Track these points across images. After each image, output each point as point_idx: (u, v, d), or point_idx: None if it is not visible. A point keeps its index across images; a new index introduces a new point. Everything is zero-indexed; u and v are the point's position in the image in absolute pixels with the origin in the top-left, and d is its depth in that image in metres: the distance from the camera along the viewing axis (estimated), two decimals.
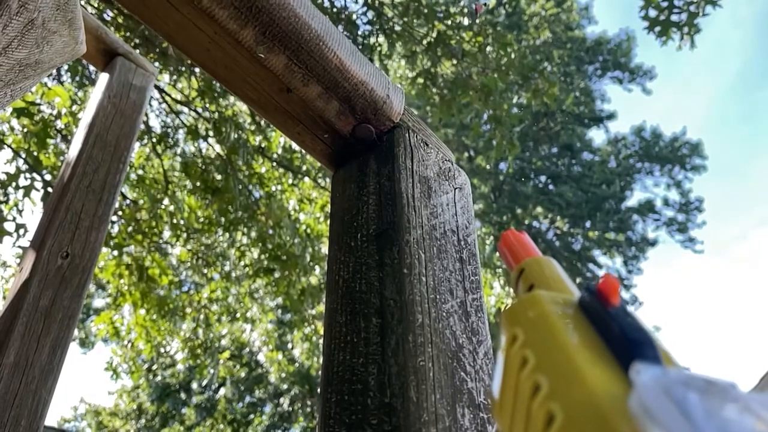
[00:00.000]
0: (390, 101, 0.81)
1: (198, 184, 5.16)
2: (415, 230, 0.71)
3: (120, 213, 5.20)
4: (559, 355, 0.26)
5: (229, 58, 0.73)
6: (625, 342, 0.25)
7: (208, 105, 5.09)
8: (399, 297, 0.65)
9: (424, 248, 0.70)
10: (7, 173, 4.06)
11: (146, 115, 5.26)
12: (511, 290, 0.44)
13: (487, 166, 18.76)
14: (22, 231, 3.86)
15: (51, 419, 20.04)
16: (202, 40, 0.71)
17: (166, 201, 5.46)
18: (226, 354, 14.12)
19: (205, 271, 6.69)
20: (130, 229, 5.26)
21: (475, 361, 0.67)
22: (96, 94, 1.87)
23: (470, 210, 0.83)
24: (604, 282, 0.29)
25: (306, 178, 6.04)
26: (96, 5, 4.33)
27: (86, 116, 1.82)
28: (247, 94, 0.79)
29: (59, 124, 4.52)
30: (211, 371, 15.36)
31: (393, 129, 0.82)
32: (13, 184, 4.06)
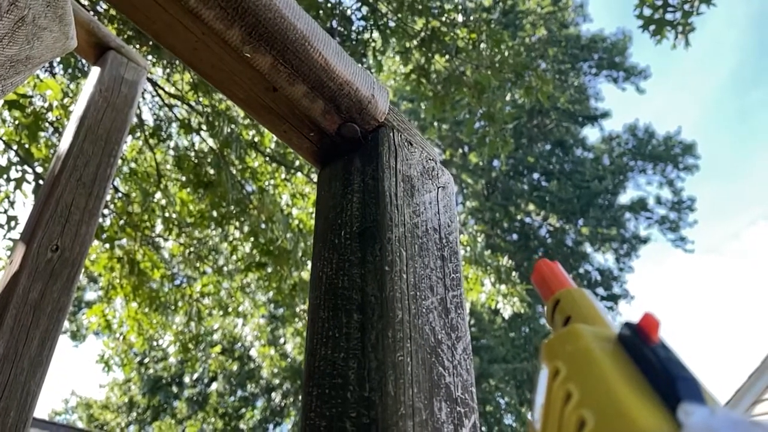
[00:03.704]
0: (375, 101, 0.82)
1: (191, 177, 5.16)
2: (397, 228, 0.72)
3: (112, 206, 5.19)
4: (605, 391, 0.26)
5: (216, 58, 0.75)
6: (671, 380, 0.26)
7: (201, 99, 5.09)
8: (380, 293, 0.67)
9: (406, 246, 0.72)
10: None
11: (139, 108, 5.25)
12: (547, 321, 0.45)
13: (481, 163, 18.79)
14: (13, 223, 3.85)
15: (42, 412, 20.01)
16: (190, 39, 0.72)
17: (158, 195, 5.45)
18: (218, 348, 14.11)
19: (198, 264, 6.69)
20: (121, 222, 5.25)
21: (453, 356, 0.68)
22: (87, 87, 1.87)
23: (453, 209, 0.85)
24: (645, 319, 0.29)
25: (299, 173, 6.04)
26: None
27: (77, 110, 1.83)
28: (234, 93, 0.80)
29: (51, 116, 4.51)
30: (203, 365, 15.36)
31: (378, 128, 0.84)
32: (4, 176, 4.05)
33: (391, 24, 5.42)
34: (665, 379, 0.26)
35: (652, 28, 4.13)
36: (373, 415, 0.58)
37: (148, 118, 5.80)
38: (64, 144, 1.73)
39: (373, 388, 0.60)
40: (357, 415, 0.60)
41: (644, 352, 0.28)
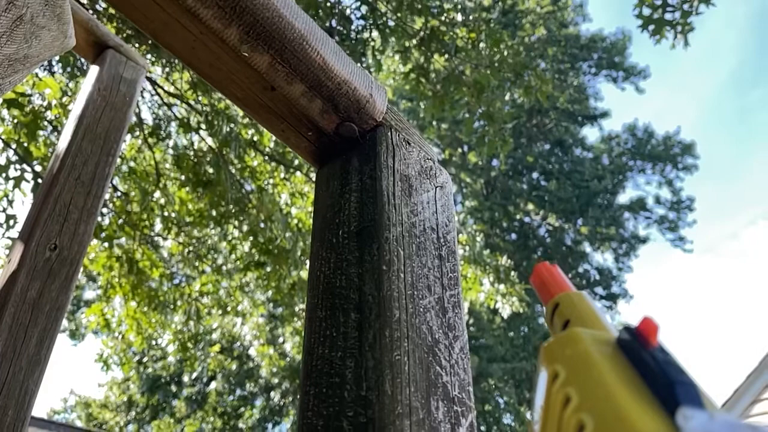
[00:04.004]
0: (373, 100, 0.82)
1: (190, 176, 5.16)
2: (394, 227, 0.72)
3: (111, 205, 5.19)
4: (603, 395, 0.26)
5: (214, 57, 0.75)
6: (670, 385, 0.26)
7: (200, 98, 5.08)
8: (377, 293, 0.67)
9: (404, 245, 0.72)
10: None
11: (138, 107, 5.25)
12: (546, 323, 0.45)
13: (480, 162, 18.79)
14: (12, 222, 3.85)
15: (41, 411, 20.00)
16: (188, 38, 0.72)
17: (157, 194, 5.45)
18: (217, 347, 14.12)
19: (197, 263, 6.69)
20: (120, 221, 5.25)
21: (450, 355, 0.68)
22: (86, 86, 1.87)
23: (451, 208, 0.85)
24: (644, 323, 0.29)
25: (298, 173, 6.04)
26: None
27: (76, 108, 1.83)
28: (232, 92, 0.80)
29: (50, 115, 4.51)
30: (202, 364, 15.37)
31: (376, 128, 0.84)
32: (3, 174, 4.05)
33: (391, 23, 5.42)
34: (664, 383, 0.26)
35: (651, 27, 4.13)
36: (370, 414, 0.58)
37: (147, 117, 5.80)
38: (63, 143, 1.73)
39: (370, 387, 0.60)
40: (354, 414, 0.60)
41: (643, 356, 0.28)
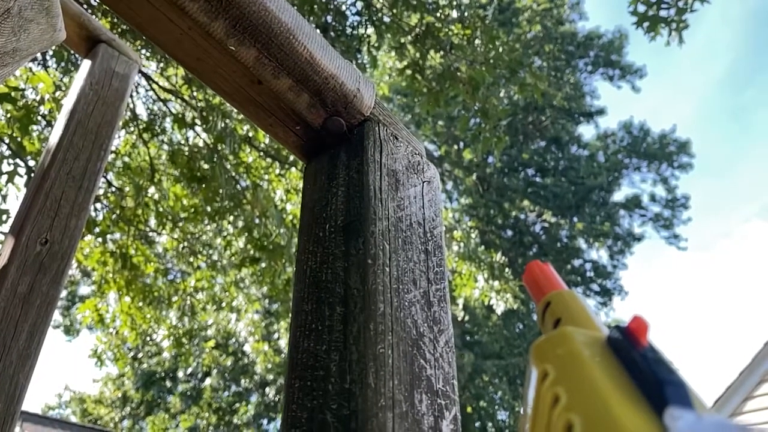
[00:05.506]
0: (361, 95, 0.82)
1: (184, 172, 5.15)
2: (380, 222, 0.73)
3: (105, 200, 5.17)
4: (592, 395, 0.26)
5: (200, 50, 0.74)
6: (658, 385, 0.26)
7: (195, 93, 5.07)
8: (362, 287, 0.67)
9: (389, 239, 0.72)
10: None
11: (133, 102, 5.23)
12: (538, 323, 0.45)
13: (475, 159, 18.80)
14: (4, 217, 3.84)
15: (35, 406, 19.97)
16: (174, 32, 0.72)
17: (151, 189, 5.44)
18: (212, 343, 14.12)
19: (191, 259, 6.68)
20: (114, 216, 5.24)
21: (435, 349, 0.69)
22: (78, 80, 1.86)
23: (438, 203, 0.85)
24: (634, 322, 0.29)
25: (293, 169, 6.03)
26: None
27: (67, 103, 1.82)
28: (219, 86, 0.80)
29: (43, 109, 4.49)
30: (197, 360, 15.37)
31: (363, 122, 0.84)
32: None
33: (386, 19, 5.41)
34: (653, 383, 0.26)
35: (646, 24, 4.14)
36: (354, 406, 0.59)
37: (142, 113, 5.78)
38: (54, 137, 1.72)
39: (354, 380, 0.60)
40: (338, 406, 0.60)
41: (633, 356, 0.28)
